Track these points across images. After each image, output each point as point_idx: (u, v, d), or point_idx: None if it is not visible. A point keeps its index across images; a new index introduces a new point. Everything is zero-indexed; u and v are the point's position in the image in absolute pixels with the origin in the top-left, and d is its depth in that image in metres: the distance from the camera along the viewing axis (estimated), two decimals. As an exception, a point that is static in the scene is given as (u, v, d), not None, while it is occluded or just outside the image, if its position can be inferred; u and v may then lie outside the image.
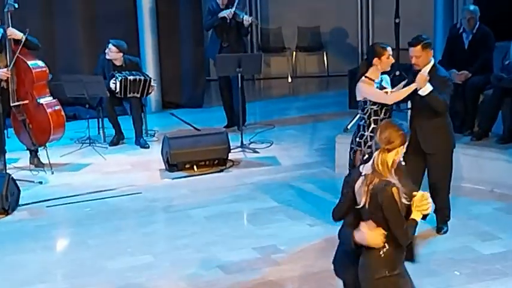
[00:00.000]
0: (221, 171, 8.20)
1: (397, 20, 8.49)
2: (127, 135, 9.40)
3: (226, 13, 9.42)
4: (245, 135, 9.05)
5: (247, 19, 9.42)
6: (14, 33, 7.98)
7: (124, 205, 7.34)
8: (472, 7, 8.03)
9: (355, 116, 8.29)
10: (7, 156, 8.13)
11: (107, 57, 9.21)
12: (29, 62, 8.17)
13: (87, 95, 8.98)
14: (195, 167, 8.20)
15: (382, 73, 6.15)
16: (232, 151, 8.44)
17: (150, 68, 10.67)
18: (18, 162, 8.51)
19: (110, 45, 9.18)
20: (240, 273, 5.75)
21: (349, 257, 3.97)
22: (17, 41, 8.07)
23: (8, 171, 7.77)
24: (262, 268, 5.84)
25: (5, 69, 7.95)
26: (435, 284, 5.47)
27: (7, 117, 8.31)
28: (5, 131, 8.49)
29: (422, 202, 3.77)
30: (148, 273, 5.81)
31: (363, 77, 6.09)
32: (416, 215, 3.81)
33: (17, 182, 7.35)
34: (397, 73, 8.46)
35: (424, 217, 3.86)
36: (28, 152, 8.47)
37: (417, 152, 6.00)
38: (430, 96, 5.92)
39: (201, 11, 11.01)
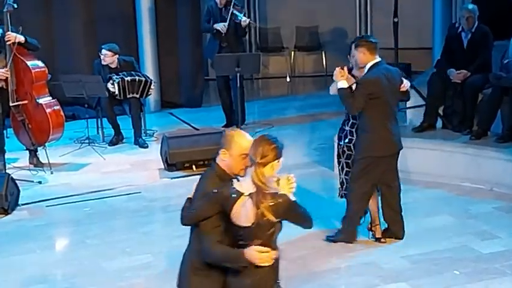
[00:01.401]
0: (220, 170, 8.19)
1: (395, 20, 8.49)
2: (126, 135, 9.41)
3: (220, 26, 9.47)
4: (244, 135, 9.04)
5: (244, 20, 9.44)
6: (12, 37, 7.94)
7: (123, 205, 7.34)
8: (470, 6, 8.03)
9: (354, 115, 8.31)
10: (6, 156, 8.14)
11: (103, 63, 9.20)
12: (28, 62, 8.17)
13: (86, 95, 8.98)
14: (194, 166, 8.20)
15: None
16: (231, 151, 8.43)
17: (149, 68, 10.67)
18: (17, 162, 8.51)
19: (104, 51, 9.16)
20: (239, 272, 5.74)
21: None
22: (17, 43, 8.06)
23: (7, 171, 7.79)
24: (261, 267, 5.83)
25: (4, 69, 7.95)
26: (434, 283, 5.48)
27: (6, 117, 8.32)
28: (5, 131, 8.49)
29: (289, 184, 3.74)
30: (147, 273, 5.82)
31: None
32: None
33: (17, 181, 7.36)
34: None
35: None
36: (27, 151, 8.48)
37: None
38: (340, 92, 5.96)
39: (199, 11, 11.02)
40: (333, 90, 6.18)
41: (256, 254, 3.64)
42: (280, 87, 12.86)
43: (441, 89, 7.90)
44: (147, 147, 9.18)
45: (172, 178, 8.04)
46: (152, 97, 10.37)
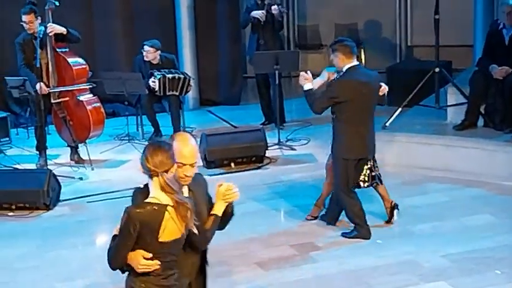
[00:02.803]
0: (258, 168, 8.22)
1: (436, 16, 8.41)
2: (165, 132, 9.45)
3: (259, 14, 9.43)
4: (282, 133, 9.05)
5: (275, 8, 9.38)
6: (55, 28, 8.07)
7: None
8: (511, 1, 7.91)
9: (394, 112, 8.27)
10: (48, 152, 8.25)
11: (146, 59, 9.26)
12: (70, 60, 8.27)
13: (126, 92, 9.06)
14: (232, 164, 8.24)
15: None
16: (269, 148, 8.46)
17: (188, 66, 10.72)
18: (59, 158, 8.62)
19: (146, 47, 9.22)
20: (278, 270, 5.77)
21: None
22: (58, 38, 8.17)
23: (49, 167, 7.88)
24: (300, 265, 5.85)
25: (45, 87, 8.00)
26: (475, 283, 5.43)
27: (48, 114, 8.44)
28: (46, 128, 8.62)
29: (228, 191, 3.75)
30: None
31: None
32: (219, 207, 3.78)
33: (58, 177, 7.46)
34: (437, 70, 8.39)
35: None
36: (69, 148, 8.59)
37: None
38: (305, 93, 6.21)
39: (238, 8, 11.03)
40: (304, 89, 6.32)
41: (140, 260, 3.52)
42: (319, 84, 12.80)
43: (483, 87, 7.79)
44: (186, 144, 9.21)
45: (210, 175, 8.06)
46: (191, 95, 10.41)
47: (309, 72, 6.26)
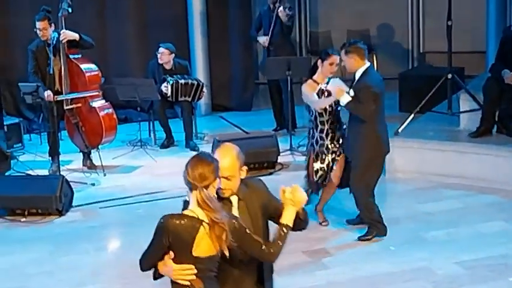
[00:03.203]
0: (270, 174, 8.21)
1: (449, 23, 8.38)
2: (177, 138, 9.47)
3: (262, 40, 9.56)
4: (294, 138, 9.04)
5: (281, 10, 9.36)
6: (68, 34, 8.10)
7: (175, 207, 7.30)
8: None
9: (406, 118, 8.24)
10: (61, 158, 8.27)
11: (160, 61, 9.29)
12: (82, 66, 8.29)
13: (138, 98, 9.08)
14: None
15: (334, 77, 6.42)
16: (281, 154, 8.45)
17: (200, 71, 10.73)
18: (71, 164, 8.64)
19: (161, 49, 9.26)
20: (291, 276, 5.74)
21: None
22: (71, 44, 8.20)
23: (61, 173, 7.90)
24: (312, 271, 5.83)
25: (51, 93, 8.02)
26: (489, 290, 5.40)
27: (61, 120, 8.46)
28: (59, 134, 8.64)
29: (295, 195, 3.57)
30: (199, 275, 5.84)
31: (309, 80, 6.46)
32: (288, 214, 3.57)
33: (71, 183, 7.48)
34: (449, 76, 8.36)
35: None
36: (81, 154, 8.61)
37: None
38: (349, 106, 6.04)
39: (250, 14, 11.05)
40: (322, 104, 6.29)
41: (173, 268, 3.46)
42: (331, 90, 12.78)
43: (497, 93, 7.74)
44: (198, 150, 9.22)
45: (223, 181, 8.06)
46: (203, 100, 10.41)
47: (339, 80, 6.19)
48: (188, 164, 3.44)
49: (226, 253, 3.45)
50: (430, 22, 12.14)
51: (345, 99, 6.03)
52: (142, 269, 3.64)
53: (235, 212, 3.63)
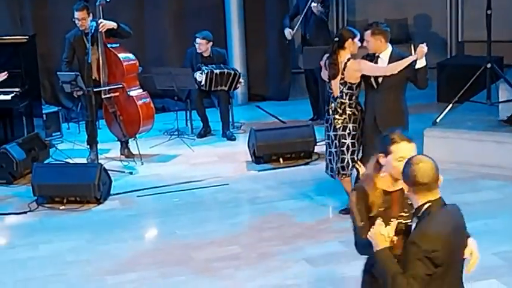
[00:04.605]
0: (307, 163, 8.20)
1: (488, 12, 8.27)
2: (214, 128, 9.50)
3: (286, 33, 9.58)
4: (331, 128, 9.00)
5: (314, 5, 9.31)
6: (106, 24, 8.16)
7: (211, 196, 7.44)
8: None
9: (445, 108, 8.16)
10: (99, 146, 8.35)
11: (198, 50, 9.32)
12: (120, 55, 8.35)
13: (176, 88, 9.12)
14: (281, 159, 8.23)
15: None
16: (318, 144, 8.43)
17: (237, 61, 10.73)
18: (109, 152, 8.73)
19: (198, 40, 9.27)
20: (326, 266, 5.75)
21: None
22: (109, 33, 8.26)
23: (100, 161, 7.98)
24: (349, 261, 5.81)
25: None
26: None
27: (99, 109, 8.54)
28: (97, 123, 8.72)
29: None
30: (235, 263, 5.88)
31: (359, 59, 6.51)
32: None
33: (109, 172, 7.55)
34: (488, 65, 8.25)
35: None
36: (119, 143, 8.69)
37: (375, 131, 6.24)
38: (424, 69, 6.24)
39: (287, 3, 11.01)
40: (400, 66, 6.36)
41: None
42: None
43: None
44: (234, 139, 9.25)
45: (259, 170, 8.09)
46: (239, 90, 10.42)
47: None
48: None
49: None
50: (469, 11, 11.99)
51: (423, 62, 6.25)
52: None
53: None
